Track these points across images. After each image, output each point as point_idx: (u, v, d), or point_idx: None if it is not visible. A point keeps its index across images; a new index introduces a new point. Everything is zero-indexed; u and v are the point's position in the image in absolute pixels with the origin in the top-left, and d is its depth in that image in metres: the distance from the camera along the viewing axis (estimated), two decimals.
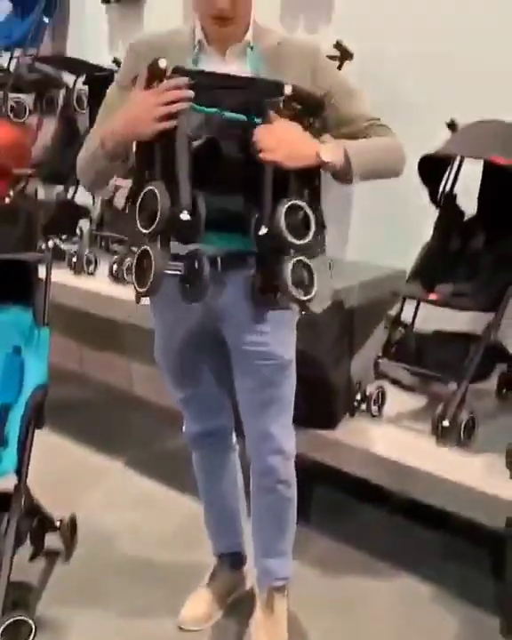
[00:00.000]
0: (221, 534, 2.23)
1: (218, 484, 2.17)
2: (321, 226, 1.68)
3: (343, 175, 1.69)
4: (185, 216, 1.52)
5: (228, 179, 1.61)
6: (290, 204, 1.57)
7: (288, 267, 1.58)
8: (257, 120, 1.60)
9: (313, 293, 1.61)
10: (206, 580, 2.22)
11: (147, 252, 1.55)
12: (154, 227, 1.53)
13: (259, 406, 1.91)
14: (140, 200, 1.57)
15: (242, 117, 1.61)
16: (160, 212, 1.51)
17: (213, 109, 1.58)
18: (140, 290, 1.56)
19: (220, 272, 1.70)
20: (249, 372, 1.88)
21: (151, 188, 1.54)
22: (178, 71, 1.56)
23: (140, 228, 1.56)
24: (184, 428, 2.11)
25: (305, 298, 1.60)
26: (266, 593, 2.06)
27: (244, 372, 1.89)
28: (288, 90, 1.59)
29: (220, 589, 2.20)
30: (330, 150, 1.64)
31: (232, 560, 2.23)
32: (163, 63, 1.54)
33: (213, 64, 1.72)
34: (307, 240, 1.59)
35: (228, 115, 1.59)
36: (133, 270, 1.59)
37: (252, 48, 1.73)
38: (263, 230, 1.59)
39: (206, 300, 1.68)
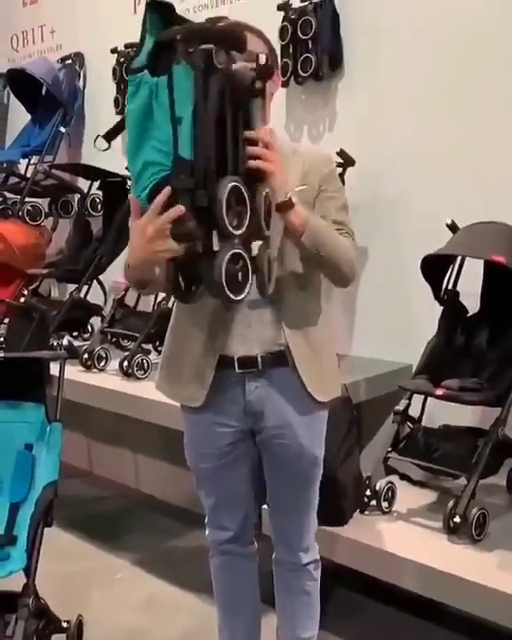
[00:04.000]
0: (229, 620, 2.16)
1: (237, 591, 2.14)
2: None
3: (294, 229, 1.68)
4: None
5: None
6: (231, 186, 1.44)
7: (221, 259, 1.46)
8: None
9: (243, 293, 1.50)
10: None
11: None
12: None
13: (291, 506, 1.97)
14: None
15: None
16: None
17: None
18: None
19: (260, 369, 1.81)
20: (282, 471, 1.94)
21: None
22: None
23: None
24: (207, 532, 2.09)
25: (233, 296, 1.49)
26: None
27: (277, 472, 1.95)
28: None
29: None
30: (294, 210, 1.66)
31: None
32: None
33: None
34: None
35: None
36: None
37: None
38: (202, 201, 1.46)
39: (246, 400, 1.82)
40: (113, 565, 2.99)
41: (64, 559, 2.86)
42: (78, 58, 4.11)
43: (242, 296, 1.52)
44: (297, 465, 1.92)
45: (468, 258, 2.49)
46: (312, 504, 1.99)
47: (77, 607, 2.48)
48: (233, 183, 1.45)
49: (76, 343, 3.46)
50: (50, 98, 4.02)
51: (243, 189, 1.47)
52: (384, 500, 2.42)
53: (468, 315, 2.59)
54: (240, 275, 1.50)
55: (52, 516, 2.19)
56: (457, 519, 2.21)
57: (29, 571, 2.09)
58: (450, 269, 2.53)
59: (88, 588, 2.80)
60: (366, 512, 2.43)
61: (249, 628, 2.15)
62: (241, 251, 1.51)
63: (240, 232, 1.48)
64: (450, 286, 2.55)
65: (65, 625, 2.31)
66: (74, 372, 3.15)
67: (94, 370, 3.24)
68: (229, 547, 2.06)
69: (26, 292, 3.72)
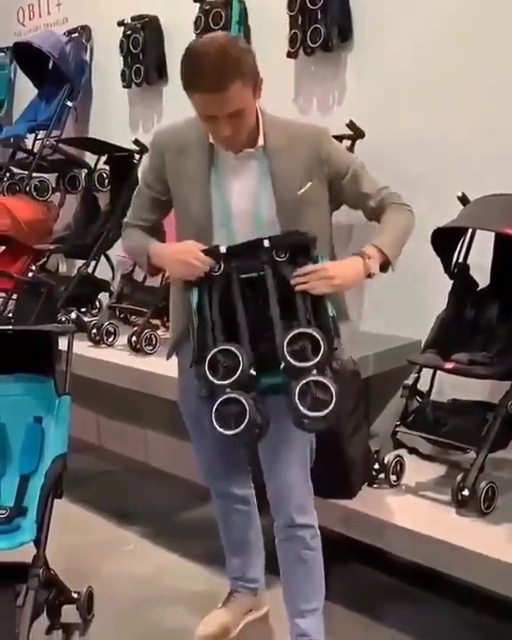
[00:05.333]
0: (233, 555, 2.34)
1: (231, 533, 2.31)
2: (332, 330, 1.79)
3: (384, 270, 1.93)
4: (253, 371, 1.76)
5: (253, 331, 1.81)
6: (293, 333, 1.72)
7: (296, 390, 1.70)
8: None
9: (327, 409, 1.69)
10: (222, 602, 2.36)
11: (237, 399, 1.72)
12: (234, 378, 1.74)
13: (276, 460, 1.99)
14: (211, 356, 1.77)
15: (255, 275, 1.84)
16: (242, 369, 1.73)
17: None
18: (229, 432, 1.73)
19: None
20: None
21: (228, 348, 1.76)
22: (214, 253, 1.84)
23: (215, 380, 1.76)
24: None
25: (315, 414, 1.69)
26: None
27: None
28: (266, 243, 1.80)
29: (235, 610, 2.34)
30: (374, 264, 1.88)
31: (245, 582, 2.35)
32: (222, 249, 1.83)
33: (226, 161, 1.90)
34: (312, 362, 1.70)
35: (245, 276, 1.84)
36: (215, 413, 1.74)
37: (263, 148, 1.89)
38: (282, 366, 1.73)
39: None
40: (122, 538, 3.02)
41: (74, 532, 2.87)
42: (85, 31, 4.08)
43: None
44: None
45: (478, 231, 2.47)
46: (298, 461, 2.00)
47: (87, 579, 2.51)
48: None
49: (85, 319, 3.46)
50: (56, 72, 3.99)
51: None
52: (392, 474, 2.42)
53: (479, 288, 2.57)
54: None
55: (61, 489, 2.20)
56: (465, 492, 2.21)
57: (39, 542, 2.11)
58: (460, 242, 2.51)
59: (97, 560, 2.82)
60: (375, 485, 2.43)
61: (242, 550, 2.33)
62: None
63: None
64: (460, 260, 2.53)
65: (75, 596, 2.34)
66: (83, 347, 3.16)
67: (103, 345, 3.25)
68: (221, 488, 2.23)
69: (34, 268, 3.71)
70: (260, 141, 1.89)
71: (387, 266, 1.93)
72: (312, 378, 1.70)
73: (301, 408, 1.69)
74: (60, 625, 2.28)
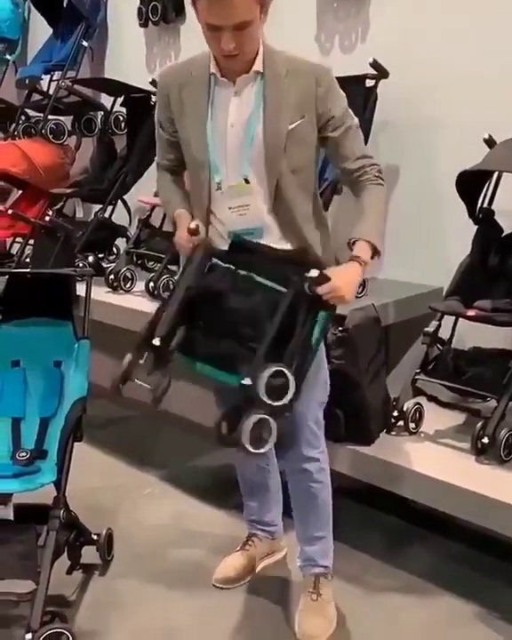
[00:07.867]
0: (250, 498, 2.39)
1: (248, 474, 2.34)
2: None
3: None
4: (156, 342, 1.81)
5: (228, 325, 1.80)
6: (275, 369, 1.71)
7: (249, 424, 1.69)
8: (280, 288, 1.81)
9: (265, 448, 1.73)
10: (240, 546, 2.41)
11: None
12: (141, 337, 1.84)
13: None
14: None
15: (270, 284, 1.83)
16: (143, 337, 1.86)
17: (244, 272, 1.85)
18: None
19: None
20: None
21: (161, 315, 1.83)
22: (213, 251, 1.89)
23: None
24: None
25: (255, 451, 1.71)
26: (312, 579, 2.15)
27: None
28: (314, 273, 1.77)
29: (253, 554, 2.39)
30: (365, 260, 1.87)
31: (262, 526, 2.41)
32: (194, 225, 1.87)
33: (224, 94, 1.90)
34: (280, 403, 1.72)
35: (259, 279, 1.84)
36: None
37: (261, 77, 1.87)
38: (247, 381, 1.70)
39: None
40: (142, 482, 3.04)
41: (94, 475, 2.91)
42: None
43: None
44: None
45: (505, 174, 2.40)
46: (312, 399, 2.01)
47: (106, 521, 2.54)
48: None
49: (102, 265, 3.44)
50: (72, 10, 3.88)
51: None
52: (411, 421, 2.42)
53: (504, 234, 2.52)
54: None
55: (81, 432, 2.22)
56: (485, 440, 2.21)
57: (59, 484, 2.13)
58: (486, 186, 2.44)
59: (117, 502, 2.85)
60: (393, 433, 2.43)
61: (261, 507, 2.39)
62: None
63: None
64: (485, 204, 2.47)
65: (95, 537, 2.37)
66: (100, 293, 3.14)
67: (120, 291, 3.23)
68: None
69: (50, 212, 3.68)
70: (259, 67, 1.86)
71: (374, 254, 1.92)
72: (265, 417, 1.70)
73: (243, 440, 1.69)
74: (81, 565, 2.32)
